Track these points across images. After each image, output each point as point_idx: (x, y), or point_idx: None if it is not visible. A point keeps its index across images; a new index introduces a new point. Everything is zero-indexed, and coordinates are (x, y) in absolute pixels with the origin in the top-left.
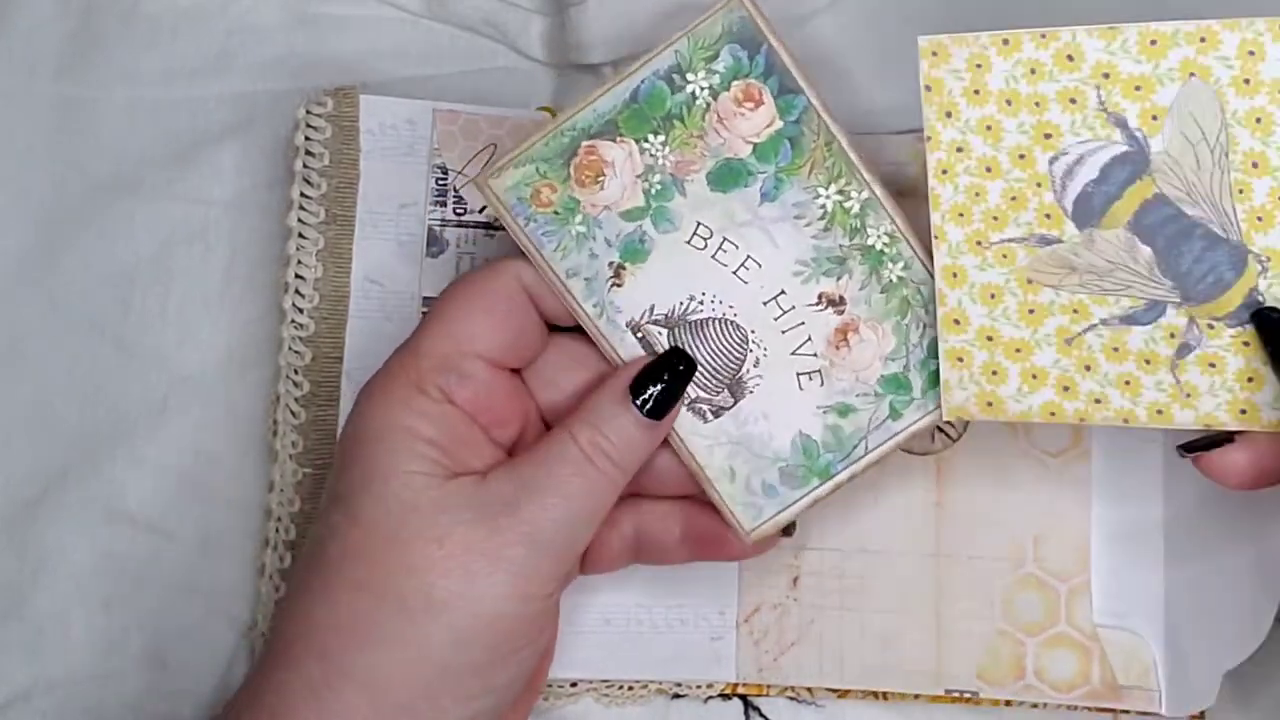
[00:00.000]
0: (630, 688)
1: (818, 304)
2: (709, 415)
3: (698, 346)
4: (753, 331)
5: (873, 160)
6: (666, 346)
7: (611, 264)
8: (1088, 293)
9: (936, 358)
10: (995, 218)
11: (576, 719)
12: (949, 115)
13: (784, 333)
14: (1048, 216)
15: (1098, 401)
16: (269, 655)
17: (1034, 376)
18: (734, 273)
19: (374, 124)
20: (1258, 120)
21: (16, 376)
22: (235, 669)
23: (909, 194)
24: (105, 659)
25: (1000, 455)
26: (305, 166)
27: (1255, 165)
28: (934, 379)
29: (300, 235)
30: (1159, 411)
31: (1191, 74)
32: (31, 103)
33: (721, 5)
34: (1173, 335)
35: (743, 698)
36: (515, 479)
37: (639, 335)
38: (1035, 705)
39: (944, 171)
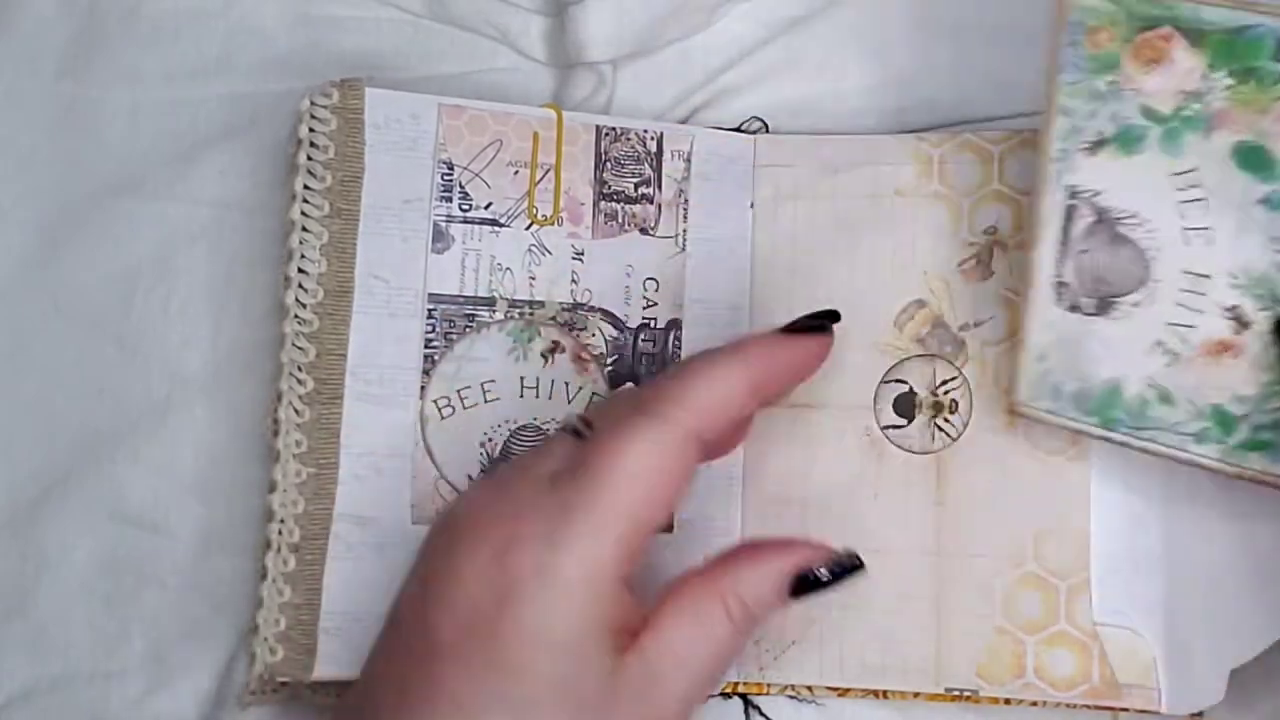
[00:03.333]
0: None
1: (1226, 311)
2: (1067, 302)
3: (1099, 249)
4: (1156, 280)
5: None
6: (1066, 222)
7: (1101, 134)
8: None
9: (1268, 442)
10: None
11: None
12: None
13: (1175, 303)
14: None
15: None
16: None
17: None
18: (1183, 229)
19: (379, 117)
20: None
21: (18, 376)
22: (236, 669)
23: (904, 194)
24: (107, 658)
25: (1000, 454)
26: (309, 159)
27: None
28: (1254, 444)
29: (303, 229)
30: None
31: None
32: (33, 103)
33: None
34: None
35: (743, 697)
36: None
37: (1072, 201)
38: (1035, 703)
39: None
